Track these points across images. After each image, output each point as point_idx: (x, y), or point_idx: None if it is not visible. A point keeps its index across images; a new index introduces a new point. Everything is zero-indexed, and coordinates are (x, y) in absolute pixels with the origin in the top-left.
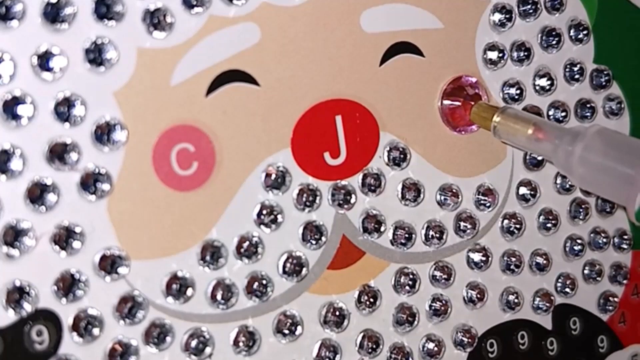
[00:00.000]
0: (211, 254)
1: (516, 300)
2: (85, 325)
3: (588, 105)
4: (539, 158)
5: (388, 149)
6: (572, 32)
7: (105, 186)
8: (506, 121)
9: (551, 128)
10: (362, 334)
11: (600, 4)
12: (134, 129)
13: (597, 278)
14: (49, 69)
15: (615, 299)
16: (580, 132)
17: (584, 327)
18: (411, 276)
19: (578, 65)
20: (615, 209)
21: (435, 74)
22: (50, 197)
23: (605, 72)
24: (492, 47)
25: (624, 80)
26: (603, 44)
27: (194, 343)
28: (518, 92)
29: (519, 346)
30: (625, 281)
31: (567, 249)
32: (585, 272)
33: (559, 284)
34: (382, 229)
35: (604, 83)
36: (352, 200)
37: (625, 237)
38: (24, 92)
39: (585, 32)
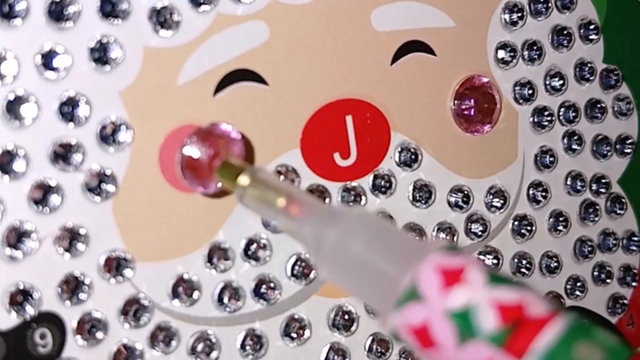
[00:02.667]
0: (218, 256)
1: None
2: (89, 329)
3: (598, 106)
4: (551, 159)
5: (399, 149)
6: (582, 31)
7: (111, 187)
8: (254, 186)
9: (307, 202)
10: (371, 338)
11: (609, 3)
12: (140, 129)
13: (607, 280)
14: (53, 68)
15: (625, 301)
16: (339, 213)
17: None
18: None
19: (588, 65)
20: (626, 211)
21: (447, 73)
22: (54, 199)
23: (614, 72)
24: (503, 46)
25: (632, 80)
26: (612, 43)
27: (200, 347)
28: (530, 92)
29: None
30: (634, 283)
31: (577, 250)
32: (595, 274)
33: (569, 286)
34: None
35: (613, 83)
36: (363, 202)
37: (635, 238)
38: (27, 91)
39: (595, 31)
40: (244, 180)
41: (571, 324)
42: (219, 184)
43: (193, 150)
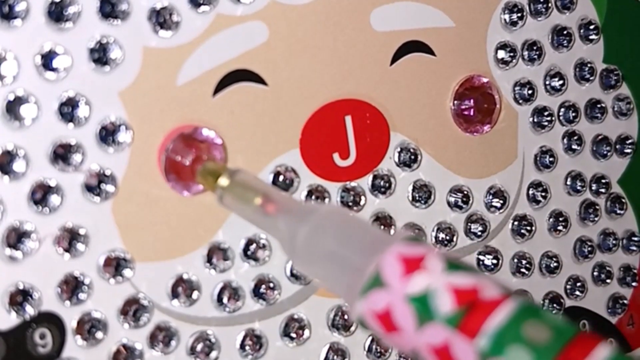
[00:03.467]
0: (218, 256)
1: None
2: (89, 329)
3: (598, 106)
4: (550, 159)
5: (398, 149)
6: (582, 31)
7: (110, 187)
8: (233, 187)
9: (283, 201)
10: (370, 338)
11: (610, 4)
12: (139, 129)
13: (607, 280)
14: (53, 69)
15: (625, 301)
16: (311, 209)
17: (593, 329)
18: None
19: (588, 65)
20: (626, 211)
21: (446, 74)
22: (54, 199)
23: (615, 72)
24: (503, 46)
25: (633, 80)
26: (612, 43)
27: (199, 347)
28: (530, 92)
29: None
30: (634, 283)
31: (577, 251)
32: (595, 274)
33: (568, 287)
34: (392, 231)
35: (613, 83)
36: (362, 202)
37: (635, 239)
38: (27, 92)
39: (595, 31)
40: (223, 181)
41: (522, 306)
42: (201, 187)
43: (175, 154)
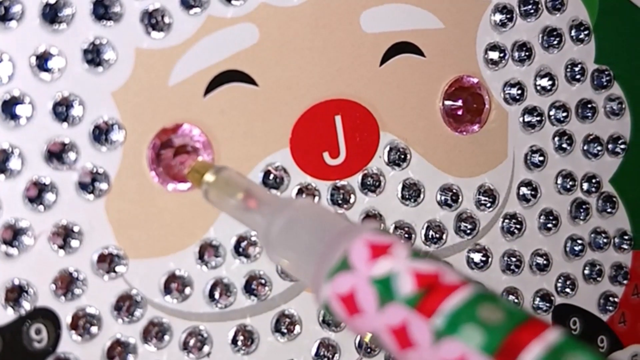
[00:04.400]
0: (209, 253)
1: (516, 301)
2: (83, 324)
3: (589, 106)
4: (540, 158)
5: (388, 149)
6: (573, 32)
7: (103, 185)
8: (218, 183)
9: (263, 197)
10: None
11: (601, 4)
12: (131, 128)
13: (598, 278)
14: (47, 70)
15: (616, 299)
16: (288, 202)
17: (584, 327)
18: None
19: (579, 66)
20: (617, 209)
21: (436, 74)
22: (49, 197)
23: (606, 72)
24: (493, 47)
25: (624, 81)
26: (604, 44)
27: (192, 342)
28: (519, 92)
29: None
30: (625, 281)
31: (568, 249)
32: (586, 272)
33: (559, 284)
34: (382, 229)
35: (605, 83)
36: (352, 200)
37: (626, 237)
38: (22, 92)
39: (586, 32)
40: (209, 177)
41: (478, 291)
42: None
43: (162, 151)
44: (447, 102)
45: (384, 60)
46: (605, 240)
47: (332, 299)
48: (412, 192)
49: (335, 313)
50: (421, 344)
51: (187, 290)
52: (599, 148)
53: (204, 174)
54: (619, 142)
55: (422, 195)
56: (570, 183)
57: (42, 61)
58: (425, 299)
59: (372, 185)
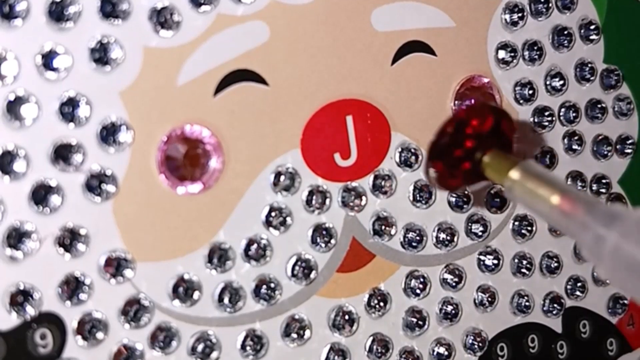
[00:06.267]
0: (218, 256)
1: (527, 304)
2: (89, 329)
3: (599, 106)
4: (551, 159)
5: (399, 149)
6: (582, 32)
7: (111, 187)
8: (526, 181)
9: (581, 201)
10: (371, 338)
11: (610, 4)
12: (140, 129)
13: (607, 281)
14: (53, 69)
15: (625, 301)
16: (618, 214)
17: (593, 330)
18: (421, 279)
19: (589, 65)
20: None
21: (447, 74)
22: (55, 199)
23: (615, 72)
24: (504, 46)
25: (633, 80)
26: (612, 43)
27: (200, 347)
28: (530, 92)
29: (529, 350)
30: None
31: (577, 251)
32: (595, 274)
33: (569, 287)
34: (393, 231)
35: (614, 83)
36: (363, 202)
37: None
38: (28, 92)
39: (595, 31)
40: (514, 174)
41: None
42: (195, 186)
43: (170, 151)
44: (458, 102)
45: (396, 59)
46: None
47: None
48: (423, 193)
49: None
50: None
51: (196, 294)
52: (608, 149)
53: (508, 169)
54: (628, 142)
55: (433, 197)
56: (580, 184)
57: (48, 60)
58: None
59: (383, 186)
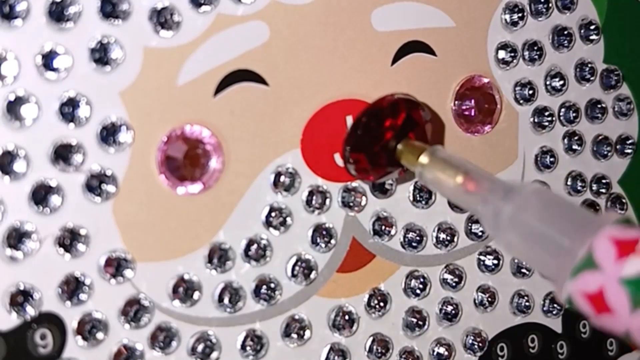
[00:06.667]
0: (218, 256)
1: (527, 304)
2: (89, 329)
3: (599, 106)
4: (551, 159)
5: None
6: (582, 32)
7: (111, 188)
8: (434, 164)
9: (483, 179)
10: (371, 338)
11: (610, 4)
12: (140, 129)
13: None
14: (53, 69)
15: None
16: (515, 188)
17: (593, 330)
18: (421, 279)
19: (589, 65)
20: (625, 211)
21: (447, 74)
22: (55, 199)
23: (615, 72)
24: (504, 46)
25: (633, 81)
26: (612, 43)
27: (200, 347)
28: (530, 92)
29: (529, 350)
30: None
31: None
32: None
33: None
34: (393, 231)
35: (614, 83)
36: (363, 203)
37: None
38: (28, 92)
39: (595, 31)
40: (424, 159)
41: None
42: (195, 186)
43: (171, 151)
44: (458, 103)
45: (396, 59)
46: None
47: (577, 295)
48: (423, 194)
49: (580, 309)
50: None
51: (196, 294)
52: (608, 149)
53: (418, 155)
54: (628, 142)
55: (433, 198)
56: (580, 184)
57: (48, 60)
58: None
59: (383, 187)
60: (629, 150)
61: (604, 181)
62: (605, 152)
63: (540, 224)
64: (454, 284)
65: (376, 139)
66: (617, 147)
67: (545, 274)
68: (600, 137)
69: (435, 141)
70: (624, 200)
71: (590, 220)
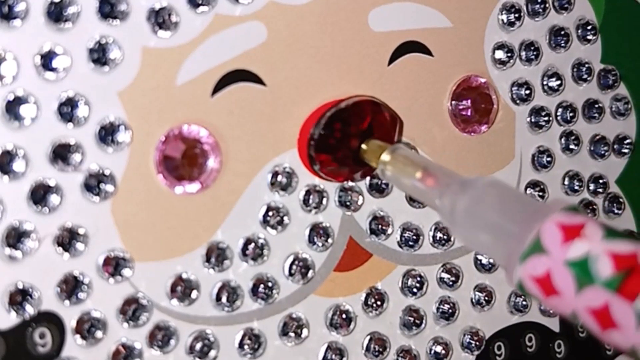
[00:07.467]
0: (216, 255)
1: (524, 303)
2: (88, 328)
3: (596, 106)
4: (548, 159)
5: None
6: (579, 32)
7: (109, 187)
8: (395, 162)
9: (441, 174)
10: (368, 337)
11: (608, 4)
12: (138, 129)
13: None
14: (52, 69)
15: None
16: (470, 182)
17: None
18: (418, 278)
19: (586, 65)
20: (624, 211)
21: (444, 74)
22: (54, 199)
23: (612, 72)
24: (501, 46)
25: (630, 81)
26: (610, 43)
27: (198, 346)
28: (527, 92)
29: (527, 348)
30: None
31: None
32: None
33: None
34: (390, 230)
35: (611, 83)
36: (360, 202)
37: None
38: (27, 92)
39: (593, 31)
40: (385, 156)
41: None
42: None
43: (169, 151)
44: (455, 102)
45: (393, 59)
46: None
47: (526, 279)
48: None
49: (530, 293)
50: (625, 326)
51: (194, 293)
52: (605, 148)
53: (380, 153)
54: (625, 142)
55: None
56: (578, 184)
57: (47, 60)
58: (627, 282)
59: (380, 186)
60: (627, 150)
61: (601, 181)
62: (603, 152)
63: (494, 214)
64: (451, 283)
65: (340, 140)
66: (615, 146)
67: (501, 263)
68: (597, 137)
69: (433, 141)
70: (621, 200)
71: (539, 208)
